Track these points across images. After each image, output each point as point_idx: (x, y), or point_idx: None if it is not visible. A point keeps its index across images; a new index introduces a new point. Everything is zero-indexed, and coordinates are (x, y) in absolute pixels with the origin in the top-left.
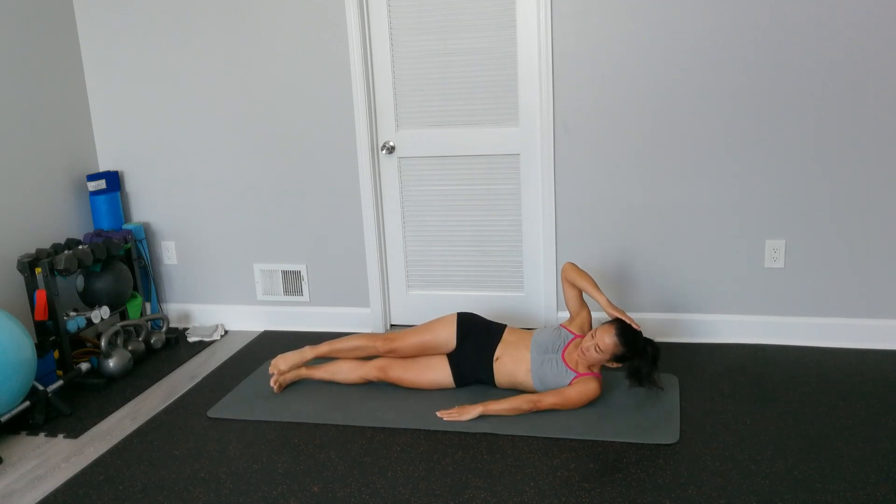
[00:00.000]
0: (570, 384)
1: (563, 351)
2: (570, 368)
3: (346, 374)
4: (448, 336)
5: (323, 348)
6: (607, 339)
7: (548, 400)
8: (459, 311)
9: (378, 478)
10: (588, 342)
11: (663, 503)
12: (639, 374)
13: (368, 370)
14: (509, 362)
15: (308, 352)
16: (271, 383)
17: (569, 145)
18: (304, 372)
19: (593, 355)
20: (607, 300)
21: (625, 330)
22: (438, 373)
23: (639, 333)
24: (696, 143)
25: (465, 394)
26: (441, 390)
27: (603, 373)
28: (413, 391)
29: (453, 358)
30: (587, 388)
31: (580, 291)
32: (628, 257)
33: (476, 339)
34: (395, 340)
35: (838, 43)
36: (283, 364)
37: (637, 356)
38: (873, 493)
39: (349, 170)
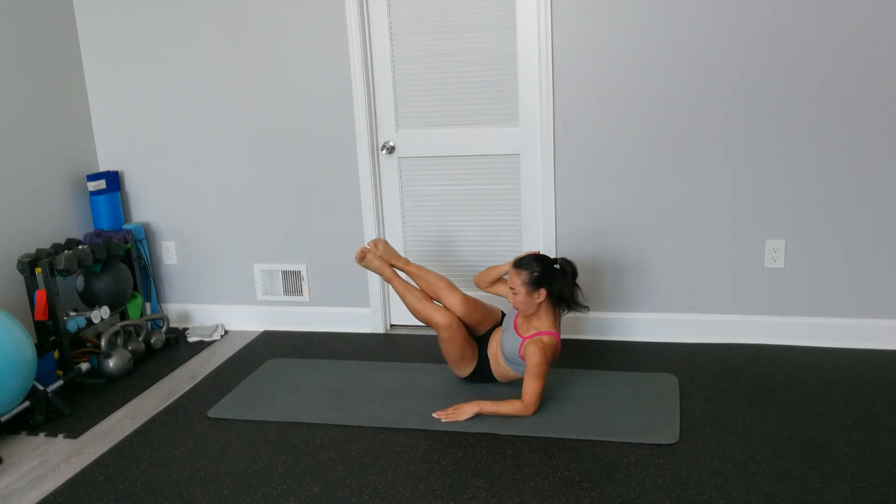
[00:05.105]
0: (521, 357)
1: (514, 322)
2: (518, 335)
3: (415, 301)
4: (491, 322)
5: (412, 267)
6: (514, 278)
7: (529, 395)
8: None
9: (378, 478)
10: (508, 296)
11: (663, 503)
12: (562, 296)
13: (437, 308)
14: (494, 346)
15: (402, 262)
16: (357, 251)
17: (569, 145)
18: (387, 271)
19: (516, 301)
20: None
21: (520, 259)
22: (470, 357)
23: (537, 254)
24: (696, 142)
25: (465, 395)
26: (442, 390)
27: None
28: (413, 392)
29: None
30: (533, 352)
31: (497, 281)
32: (628, 257)
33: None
34: (462, 307)
35: (838, 43)
36: (383, 248)
37: (552, 273)
38: (873, 493)
39: (349, 170)
